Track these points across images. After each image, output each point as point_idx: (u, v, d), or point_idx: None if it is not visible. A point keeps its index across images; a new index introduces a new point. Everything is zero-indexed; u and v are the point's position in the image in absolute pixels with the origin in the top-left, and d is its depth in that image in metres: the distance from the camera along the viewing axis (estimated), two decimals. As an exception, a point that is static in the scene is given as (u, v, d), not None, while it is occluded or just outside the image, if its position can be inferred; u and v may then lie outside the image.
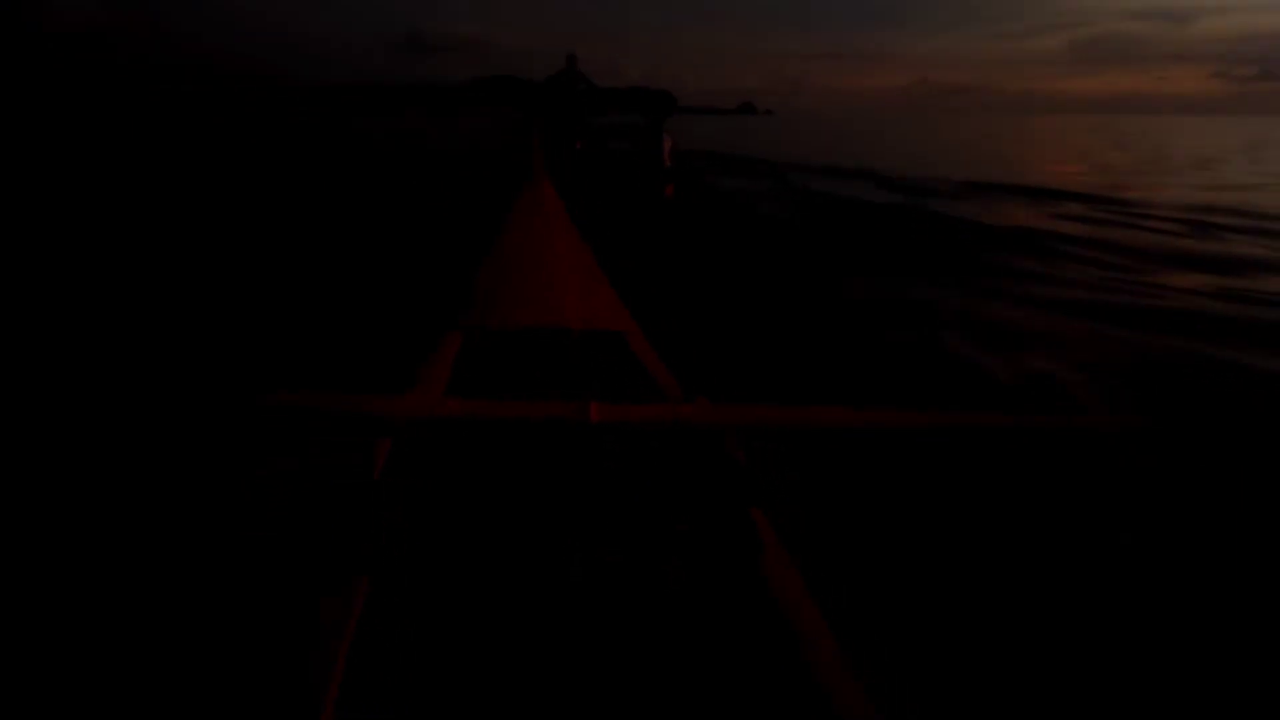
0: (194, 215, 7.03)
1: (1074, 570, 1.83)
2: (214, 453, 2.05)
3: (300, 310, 3.79)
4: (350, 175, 10.85)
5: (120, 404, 2.50)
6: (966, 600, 1.69)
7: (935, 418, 1.91)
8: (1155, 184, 13.18)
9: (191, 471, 2.01)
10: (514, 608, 1.33)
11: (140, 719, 1.30)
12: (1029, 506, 2.09)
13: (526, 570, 1.42)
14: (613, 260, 3.93)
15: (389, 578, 1.36)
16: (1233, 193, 11.56)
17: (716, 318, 3.94)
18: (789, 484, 1.93)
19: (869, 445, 2.20)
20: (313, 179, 10.17)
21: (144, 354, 3.10)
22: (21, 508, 1.94)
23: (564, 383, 2.17)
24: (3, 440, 2.30)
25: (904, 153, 22.74)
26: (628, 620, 1.32)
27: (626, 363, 2.41)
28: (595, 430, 1.68)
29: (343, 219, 6.79)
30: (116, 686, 1.35)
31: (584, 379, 2.22)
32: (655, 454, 1.79)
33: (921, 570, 1.77)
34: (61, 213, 6.95)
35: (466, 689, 1.18)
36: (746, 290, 4.68)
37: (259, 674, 1.27)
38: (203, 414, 2.24)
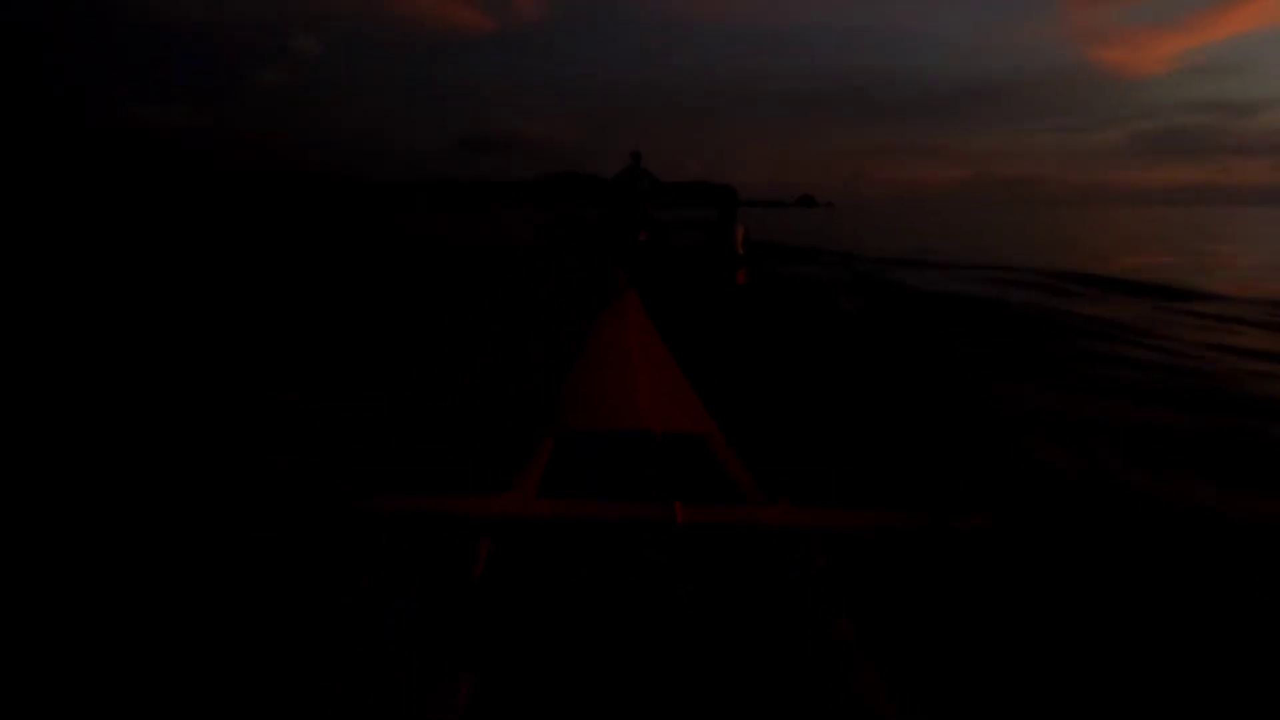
0: (287, 317, 7.28)
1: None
2: (323, 557, 2.10)
3: (400, 416, 3.87)
4: (430, 275, 11.08)
5: (237, 508, 2.58)
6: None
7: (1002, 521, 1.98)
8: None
9: (302, 576, 2.04)
10: (609, 706, 1.36)
11: None
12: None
13: (620, 669, 1.44)
14: (691, 356, 4.00)
15: (492, 675, 1.39)
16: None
17: (799, 417, 3.92)
18: (872, 588, 1.95)
19: (944, 548, 2.25)
20: (397, 279, 10.42)
21: (252, 458, 3.19)
22: (141, 605, 1.98)
23: (649, 484, 2.23)
24: (124, 532, 2.36)
25: (977, 244, 22.68)
26: None
27: (709, 464, 2.47)
28: (681, 531, 1.73)
29: (427, 321, 6.98)
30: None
31: (668, 480, 2.28)
32: (740, 556, 1.83)
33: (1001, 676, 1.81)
34: (165, 312, 7.26)
35: None
36: (829, 388, 4.67)
37: None
38: (310, 519, 2.31)
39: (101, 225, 21.11)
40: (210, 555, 2.19)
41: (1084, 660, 1.87)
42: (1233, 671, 1.85)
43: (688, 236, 16.62)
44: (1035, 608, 2.08)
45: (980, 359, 5.88)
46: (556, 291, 8.85)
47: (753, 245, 6.95)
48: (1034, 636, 1.95)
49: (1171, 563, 2.44)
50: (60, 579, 2.02)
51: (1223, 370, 5.42)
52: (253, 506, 2.55)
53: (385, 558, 1.97)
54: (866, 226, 39.30)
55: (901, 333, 7.01)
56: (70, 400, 3.99)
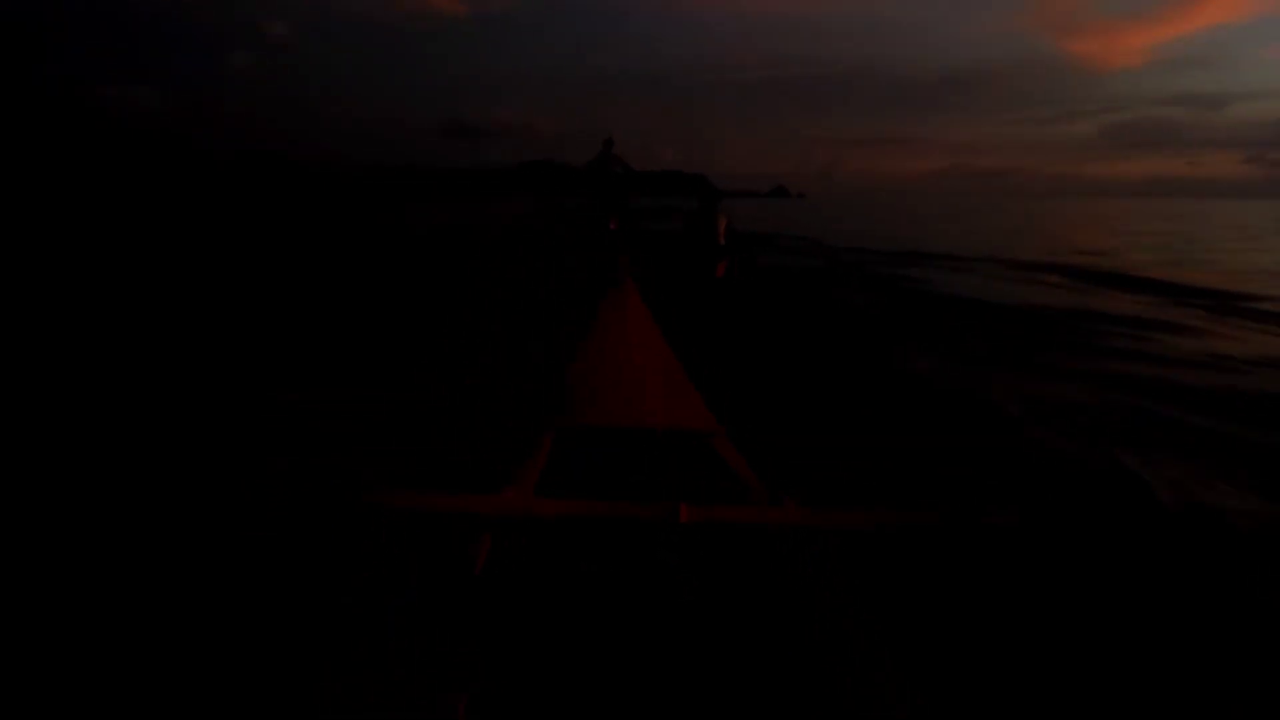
0: (272, 306, 7.18)
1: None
2: (323, 554, 2.06)
3: (399, 414, 3.80)
4: (422, 268, 10.75)
5: (238, 506, 2.54)
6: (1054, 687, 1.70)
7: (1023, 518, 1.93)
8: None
9: (303, 573, 2.00)
10: (613, 705, 1.35)
11: None
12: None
13: (624, 668, 1.43)
14: (690, 350, 3.97)
15: (493, 674, 1.39)
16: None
17: (801, 412, 3.85)
18: (884, 587, 1.90)
19: (956, 545, 2.18)
20: (390, 272, 10.08)
21: (253, 457, 3.13)
22: (130, 593, 1.96)
23: (652, 482, 2.23)
24: (108, 522, 2.34)
25: (955, 234, 22.67)
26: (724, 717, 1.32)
27: (712, 463, 2.42)
28: (685, 530, 1.71)
29: (423, 316, 6.83)
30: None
31: (671, 479, 2.28)
32: (746, 555, 1.82)
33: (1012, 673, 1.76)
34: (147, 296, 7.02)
35: None
36: (829, 383, 4.58)
37: None
38: (311, 516, 2.27)
39: (77, 210, 20.51)
40: (211, 554, 2.15)
41: (1100, 660, 1.83)
42: (1252, 670, 1.83)
43: (663, 225, 16.54)
44: (1056, 607, 2.02)
45: (983, 350, 5.81)
46: (554, 282, 8.57)
47: (737, 236, 6.92)
48: (1054, 636, 1.90)
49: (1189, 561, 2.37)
50: (60, 578, 1.99)
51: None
52: (254, 504, 2.50)
53: (386, 555, 1.93)
54: (844, 217, 39.23)
55: (905, 326, 6.91)
56: (63, 399, 3.88)
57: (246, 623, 1.80)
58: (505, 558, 1.75)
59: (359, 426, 3.53)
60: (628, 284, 5.37)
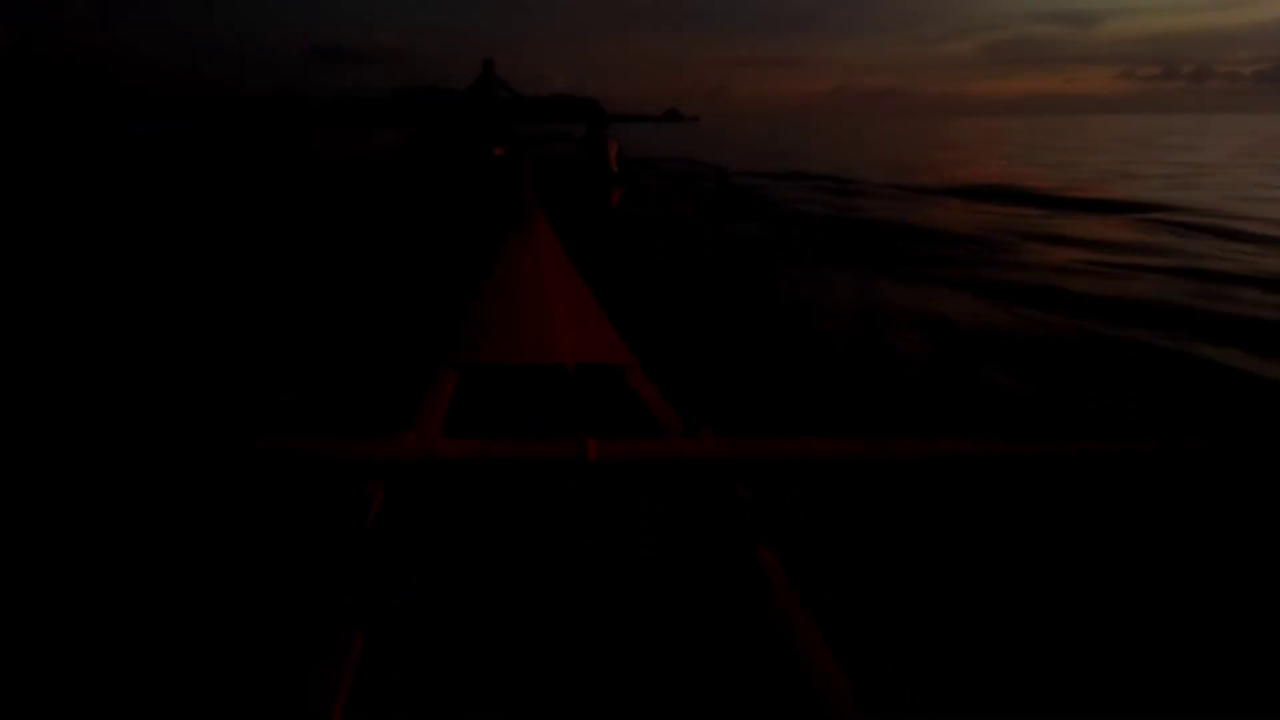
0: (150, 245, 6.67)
1: (1078, 594, 1.85)
2: (203, 497, 2.03)
3: (284, 348, 3.66)
4: (299, 196, 10.05)
5: (111, 443, 2.38)
6: (976, 629, 1.71)
7: (935, 446, 1.88)
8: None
9: (179, 517, 1.98)
10: (513, 653, 1.31)
11: None
12: (1047, 531, 2.12)
13: (524, 615, 1.40)
14: (600, 282, 3.88)
15: (383, 629, 1.33)
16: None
17: (709, 343, 3.84)
18: (796, 519, 1.87)
19: (877, 476, 2.20)
20: (261, 201, 9.37)
21: (127, 392, 3.01)
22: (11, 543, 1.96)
23: (561, 420, 2.17)
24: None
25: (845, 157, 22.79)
26: (630, 664, 1.30)
27: (626, 397, 2.38)
28: (593, 468, 1.66)
29: (307, 247, 6.49)
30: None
31: (581, 415, 2.23)
32: (656, 490, 1.77)
33: (935, 604, 1.78)
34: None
35: None
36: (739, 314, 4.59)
37: None
38: (192, 458, 2.15)
39: None
40: (100, 488, 2.12)
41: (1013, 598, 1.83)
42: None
43: (554, 151, 16.01)
44: (974, 538, 2.04)
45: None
46: (451, 213, 8.14)
47: (633, 162, 6.62)
48: (970, 569, 1.91)
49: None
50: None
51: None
52: (138, 441, 2.32)
53: (267, 506, 1.86)
54: (737, 141, 39.11)
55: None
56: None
57: (112, 580, 1.78)
58: (401, 505, 1.67)
59: (245, 365, 3.41)
60: (536, 213, 5.18)
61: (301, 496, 1.84)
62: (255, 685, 1.35)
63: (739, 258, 6.51)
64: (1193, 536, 2.09)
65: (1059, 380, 3.46)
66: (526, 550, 1.58)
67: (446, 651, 1.31)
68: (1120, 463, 2.37)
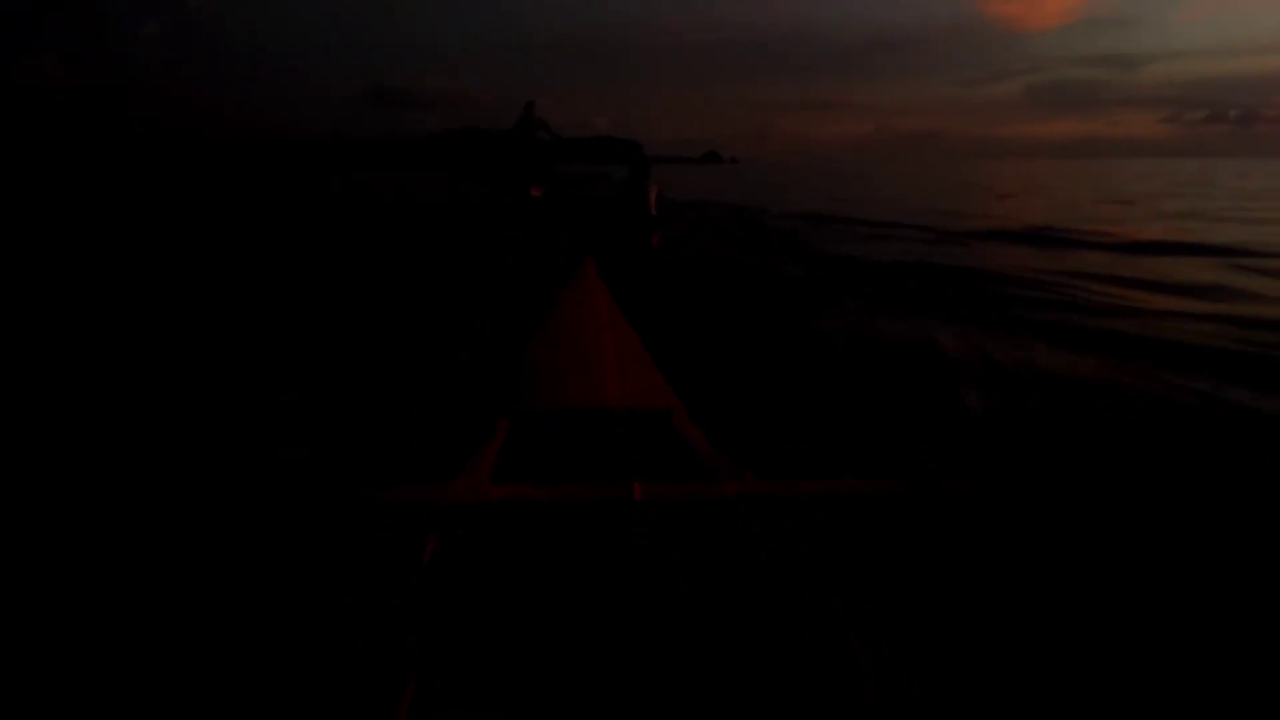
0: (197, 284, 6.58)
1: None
2: (281, 552, 2.03)
3: (352, 408, 3.58)
4: (360, 246, 10.00)
5: (233, 495, 2.50)
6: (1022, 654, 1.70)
7: (962, 486, 1.98)
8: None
9: (297, 568, 1.98)
10: (564, 692, 1.32)
11: None
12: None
13: (575, 653, 1.40)
14: (649, 334, 3.95)
15: (439, 672, 1.35)
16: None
17: (761, 390, 3.78)
18: (837, 556, 1.87)
19: (912, 512, 2.17)
20: (330, 250, 9.33)
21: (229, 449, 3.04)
22: (110, 597, 1.94)
23: (608, 463, 2.21)
24: (99, 523, 2.31)
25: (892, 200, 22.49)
26: (683, 704, 1.30)
27: (672, 441, 2.43)
28: (639, 509, 1.73)
29: (368, 297, 6.28)
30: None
31: (628, 459, 2.26)
32: (700, 530, 1.78)
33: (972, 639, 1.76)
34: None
35: None
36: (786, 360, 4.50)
37: None
38: (252, 509, 2.25)
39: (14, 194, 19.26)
40: (196, 550, 2.12)
41: (1071, 632, 1.81)
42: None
43: (593, 192, 16.03)
44: (1022, 575, 2.03)
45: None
46: (508, 260, 8.10)
47: (666, 204, 6.50)
48: (1023, 603, 1.91)
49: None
50: (53, 576, 2.01)
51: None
52: (250, 501, 2.43)
53: (359, 552, 1.86)
54: (779, 182, 38.96)
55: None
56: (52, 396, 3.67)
57: (233, 620, 1.78)
58: (455, 549, 1.73)
59: (343, 424, 3.32)
60: (587, 263, 5.29)
61: (360, 540, 1.88)
62: None
63: (779, 299, 6.37)
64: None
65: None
66: (575, 589, 1.60)
67: (499, 692, 1.34)
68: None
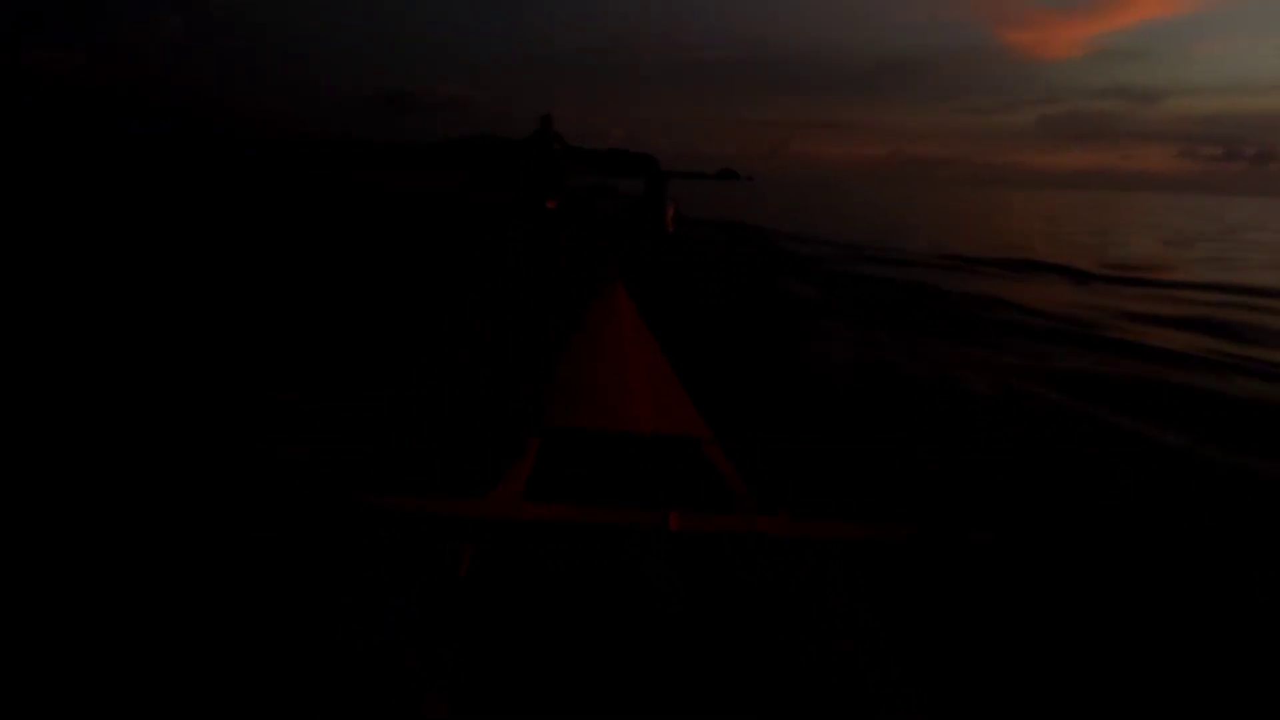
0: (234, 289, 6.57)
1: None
2: (308, 552, 2.05)
3: (382, 414, 3.64)
4: (388, 253, 9.92)
5: (218, 496, 2.55)
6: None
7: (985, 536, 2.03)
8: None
9: (294, 569, 2.02)
10: (598, 709, 1.34)
11: None
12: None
13: (610, 677, 1.41)
14: (677, 350, 3.94)
15: (473, 685, 1.36)
16: None
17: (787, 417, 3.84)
18: (868, 602, 1.86)
19: (938, 559, 2.23)
20: (352, 257, 9.26)
21: (245, 452, 3.06)
22: (112, 595, 1.96)
23: (639, 489, 2.22)
24: (93, 519, 2.35)
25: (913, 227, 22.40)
26: None
27: (701, 469, 2.44)
28: (675, 539, 1.73)
29: (399, 305, 6.27)
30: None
31: (660, 485, 2.27)
32: (737, 565, 1.79)
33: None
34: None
35: None
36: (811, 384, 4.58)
37: None
38: (292, 512, 2.25)
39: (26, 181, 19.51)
40: (201, 551, 2.16)
41: (1091, 674, 1.87)
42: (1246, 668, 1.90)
43: (608, 205, 16.01)
44: (1041, 623, 2.08)
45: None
46: (538, 274, 8.09)
47: (683, 222, 6.46)
48: (1043, 649, 1.96)
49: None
50: (53, 576, 2.03)
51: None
52: (248, 501, 2.50)
53: (374, 556, 1.84)
54: (792, 203, 38.96)
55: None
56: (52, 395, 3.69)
57: (236, 621, 1.81)
58: (491, 562, 1.74)
59: (346, 425, 3.43)
60: (616, 284, 5.00)
61: (396, 548, 1.87)
62: None
63: (791, 317, 6.42)
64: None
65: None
66: (611, 612, 1.61)
67: (533, 706, 1.34)
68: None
